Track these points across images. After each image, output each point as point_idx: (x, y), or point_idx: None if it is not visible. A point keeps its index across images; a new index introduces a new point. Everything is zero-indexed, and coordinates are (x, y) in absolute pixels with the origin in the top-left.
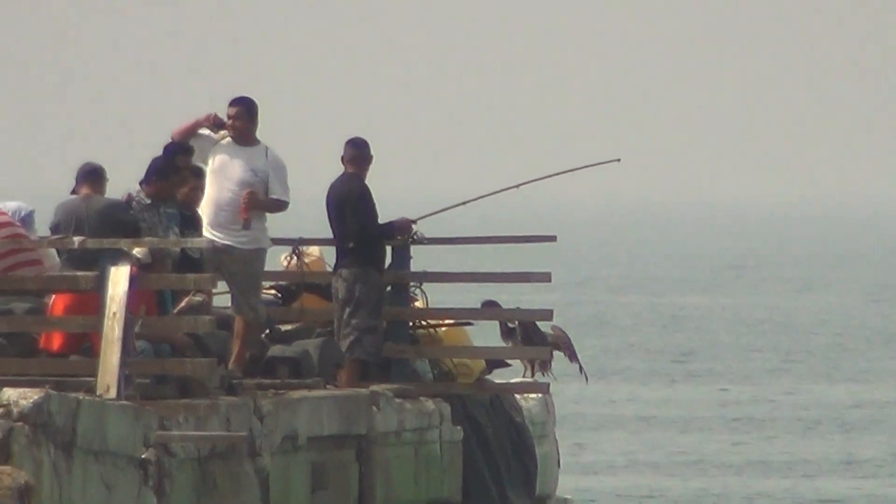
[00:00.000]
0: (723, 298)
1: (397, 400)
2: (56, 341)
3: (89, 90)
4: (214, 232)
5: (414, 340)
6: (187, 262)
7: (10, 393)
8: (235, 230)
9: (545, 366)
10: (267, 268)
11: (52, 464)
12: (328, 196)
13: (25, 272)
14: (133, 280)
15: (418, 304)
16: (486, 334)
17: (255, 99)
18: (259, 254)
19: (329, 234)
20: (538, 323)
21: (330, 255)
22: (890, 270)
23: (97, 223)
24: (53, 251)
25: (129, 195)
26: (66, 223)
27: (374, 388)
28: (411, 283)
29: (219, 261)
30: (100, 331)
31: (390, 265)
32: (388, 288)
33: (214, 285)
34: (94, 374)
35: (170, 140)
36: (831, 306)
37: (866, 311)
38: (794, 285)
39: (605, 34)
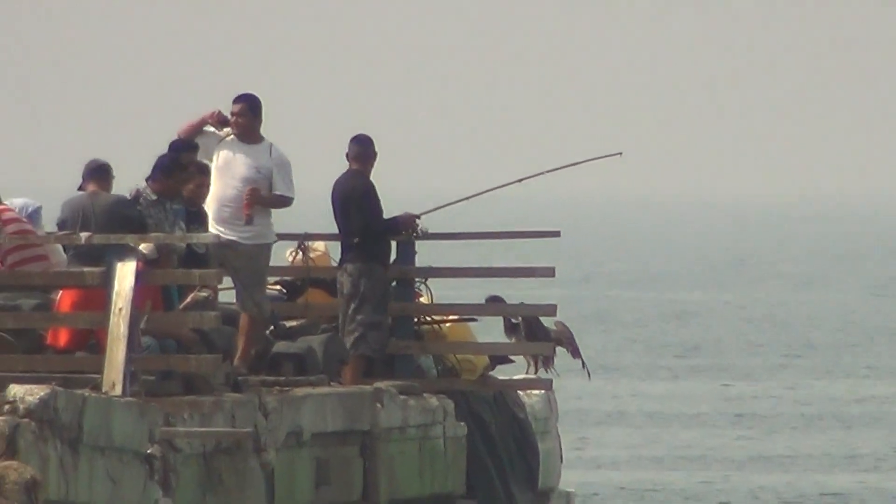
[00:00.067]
0: (725, 294)
1: (401, 396)
2: (62, 337)
3: (96, 88)
4: (219, 228)
5: (418, 336)
6: (193, 258)
7: (17, 389)
8: (239, 226)
9: (548, 362)
10: (272, 263)
11: (59, 459)
12: (333, 192)
13: (32, 268)
14: (139, 276)
15: (423, 299)
16: (490, 330)
17: (259, 96)
18: (263, 249)
19: (334, 229)
20: (542, 318)
21: (335, 250)
22: (890, 267)
23: (104, 220)
24: (59, 247)
25: (137, 191)
26: (72, 220)
27: (378, 384)
28: (416, 279)
29: (223, 256)
30: (106, 327)
31: (395, 260)
32: (393, 283)
33: (220, 281)
34: (100, 371)
35: (176, 137)
36: (832, 302)
37: (867, 307)
38: (795, 281)
39: (608, 31)
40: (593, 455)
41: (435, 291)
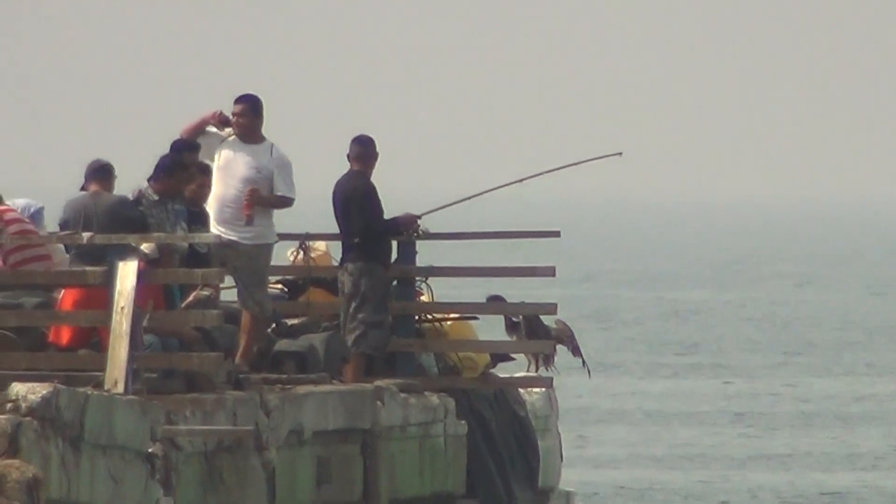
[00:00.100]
0: (725, 293)
1: (402, 394)
2: (65, 336)
3: (97, 88)
4: (220, 228)
5: (419, 335)
6: (195, 258)
7: (19, 388)
8: (240, 226)
9: (549, 360)
10: (273, 263)
11: (61, 457)
12: (334, 193)
13: (35, 267)
14: (141, 275)
15: (424, 298)
16: (490, 328)
17: (260, 96)
18: (263, 249)
19: (335, 229)
20: (542, 317)
21: (336, 250)
22: (889, 267)
23: (105, 219)
24: (61, 247)
25: (140, 192)
26: (74, 219)
27: (379, 382)
28: (417, 278)
29: (224, 256)
30: (108, 325)
31: (396, 260)
32: (394, 283)
33: (222, 280)
34: (103, 369)
35: (177, 137)
36: (832, 302)
37: (866, 306)
38: (795, 281)
39: (608, 30)
40: (593, 453)
41: (436, 291)
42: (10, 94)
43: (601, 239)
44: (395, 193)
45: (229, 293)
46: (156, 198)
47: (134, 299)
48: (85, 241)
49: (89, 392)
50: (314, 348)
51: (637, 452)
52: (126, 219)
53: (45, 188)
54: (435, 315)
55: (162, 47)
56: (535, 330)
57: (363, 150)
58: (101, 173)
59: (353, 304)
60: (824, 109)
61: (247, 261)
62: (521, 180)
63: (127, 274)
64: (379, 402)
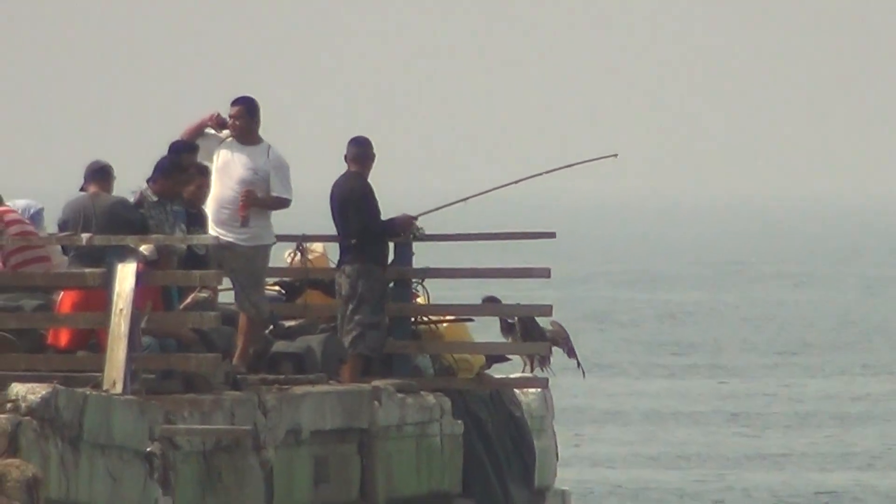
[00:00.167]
0: (721, 294)
1: (399, 395)
2: (63, 337)
3: (96, 88)
4: (218, 229)
5: (416, 336)
6: (193, 259)
7: (19, 388)
8: (237, 227)
9: (544, 361)
10: (271, 264)
11: (60, 457)
12: (331, 194)
13: (34, 269)
14: (139, 276)
15: (420, 300)
16: (486, 330)
17: (256, 98)
18: (260, 251)
19: (333, 231)
20: (538, 318)
21: (333, 251)
22: (886, 267)
23: (104, 221)
24: (59, 248)
25: (140, 193)
26: (73, 221)
27: (376, 383)
28: (413, 280)
29: (222, 257)
30: (107, 327)
31: (393, 262)
32: (391, 284)
33: (220, 282)
34: (101, 370)
35: (176, 139)
36: (829, 301)
37: (864, 306)
38: (792, 281)
39: (607, 31)
40: (589, 453)
41: (432, 292)
42: (9, 95)
43: (596, 240)
44: (392, 194)
45: (227, 295)
46: (154, 199)
47: (133, 301)
48: (84, 242)
49: (88, 392)
50: (311, 349)
51: (633, 452)
52: (125, 220)
53: (44, 189)
54: (431, 318)
55: (162, 48)
56: (530, 331)
57: (360, 151)
58: (100, 174)
59: (351, 306)
60: (824, 109)
61: (244, 262)
62: (516, 182)
63: (126, 276)
64: (376, 402)
